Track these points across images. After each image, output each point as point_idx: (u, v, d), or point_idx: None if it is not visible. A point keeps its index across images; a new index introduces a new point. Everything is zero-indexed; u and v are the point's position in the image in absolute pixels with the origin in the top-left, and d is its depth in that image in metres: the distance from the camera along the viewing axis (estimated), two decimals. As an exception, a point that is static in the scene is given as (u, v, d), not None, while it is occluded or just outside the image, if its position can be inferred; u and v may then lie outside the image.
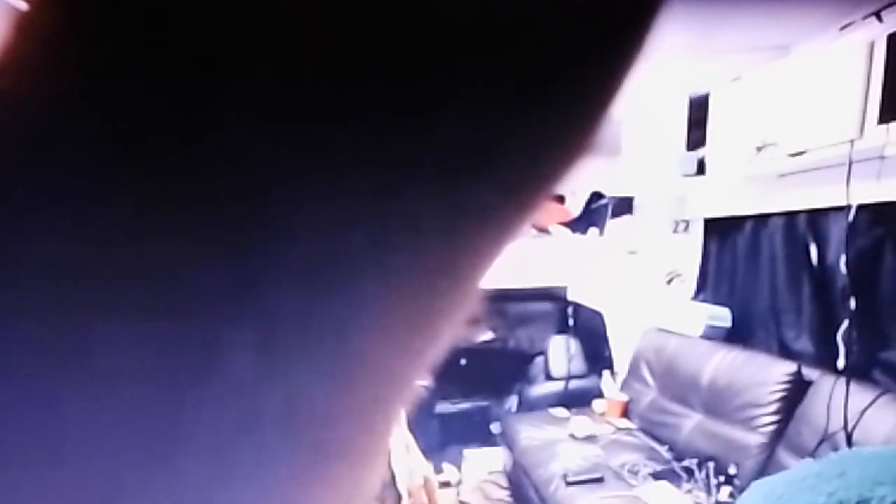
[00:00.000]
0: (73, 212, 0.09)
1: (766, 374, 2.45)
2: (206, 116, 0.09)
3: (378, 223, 0.10)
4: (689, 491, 2.43)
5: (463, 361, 3.74)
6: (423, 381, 0.13)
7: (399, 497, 0.96)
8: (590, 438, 3.00)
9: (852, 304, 2.14)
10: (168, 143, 0.09)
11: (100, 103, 0.09)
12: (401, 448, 0.99)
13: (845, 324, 2.19)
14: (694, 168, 2.75)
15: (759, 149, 2.35)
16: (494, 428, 3.63)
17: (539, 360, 4.06)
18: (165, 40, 0.09)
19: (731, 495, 2.32)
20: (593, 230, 3.87)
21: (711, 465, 2.46)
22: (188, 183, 0.09)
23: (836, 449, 1.98)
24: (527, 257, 3.44)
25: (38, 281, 0.09)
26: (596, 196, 3.85)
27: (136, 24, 0.09)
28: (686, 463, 2.56)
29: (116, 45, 0.09)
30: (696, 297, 3.25)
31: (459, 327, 0.12)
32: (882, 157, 1.94)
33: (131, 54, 0.09)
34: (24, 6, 0.09)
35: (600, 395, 3.53)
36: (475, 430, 3.78)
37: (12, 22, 0.09)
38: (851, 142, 1.96)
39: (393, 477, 0.96)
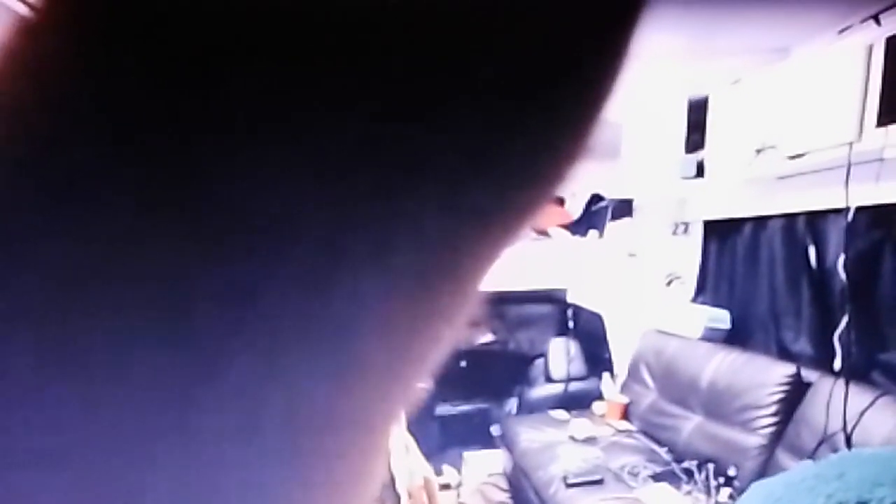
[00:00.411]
0: (73, 214, 0.09)
1: (766, 375, 2.45)
2: (206, 118, 0.09)
3: (378, 225, 0.10)
4: (689, 493, 2.42)
5: (463, 363, 3.73)
6: (423, 383, 0.13)
7: (399, 498, 0.96)
8: (590, 440, 2.99)
9: (850, 305, 2.14)
10: (168, 145, 0.09)
11: (100, 105, 0.09)
12: (401, 449, 0.99)
13: (842, 325, 2.19)
14: (693, 170, 2.75)
15: (758, 151, 2.35)
16: (494, 430, 3.62)
17: (539, 362, 4.05)
18: (165, 41, 0.09)
19: (731, 497, 2.31)
20: (593, 232, 3.87)
21: (711, 466, 2.46)
22: (189, 184, 0.09)
23: (835, 450, 1.98)
24: (527, 260, 3.44)
25: (38, 283, 0.09)
26: (596, 198, 3.86)
27: (135, 26, 0.09)
28: (686, 465, 2.56)
29: (117, 47, 0.09)
30: (695, 300, 3.25)
31: (460, 329, 0.12)
32: (881, 160, 1.94)
33: (131, 56, 0.09)
34: (24, 10, 0.09)
35: (600, 397, 3.52)
36: (475, 433, 3.76)
37: (13, 25, 0.09)
38: (850, 144, 1.97)
39: (393, 478, 0.96)
